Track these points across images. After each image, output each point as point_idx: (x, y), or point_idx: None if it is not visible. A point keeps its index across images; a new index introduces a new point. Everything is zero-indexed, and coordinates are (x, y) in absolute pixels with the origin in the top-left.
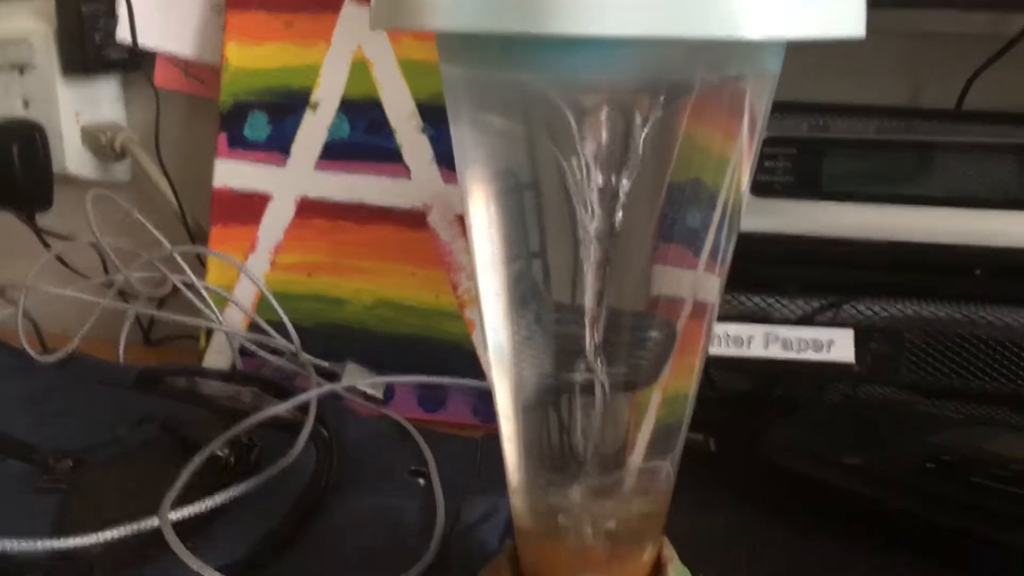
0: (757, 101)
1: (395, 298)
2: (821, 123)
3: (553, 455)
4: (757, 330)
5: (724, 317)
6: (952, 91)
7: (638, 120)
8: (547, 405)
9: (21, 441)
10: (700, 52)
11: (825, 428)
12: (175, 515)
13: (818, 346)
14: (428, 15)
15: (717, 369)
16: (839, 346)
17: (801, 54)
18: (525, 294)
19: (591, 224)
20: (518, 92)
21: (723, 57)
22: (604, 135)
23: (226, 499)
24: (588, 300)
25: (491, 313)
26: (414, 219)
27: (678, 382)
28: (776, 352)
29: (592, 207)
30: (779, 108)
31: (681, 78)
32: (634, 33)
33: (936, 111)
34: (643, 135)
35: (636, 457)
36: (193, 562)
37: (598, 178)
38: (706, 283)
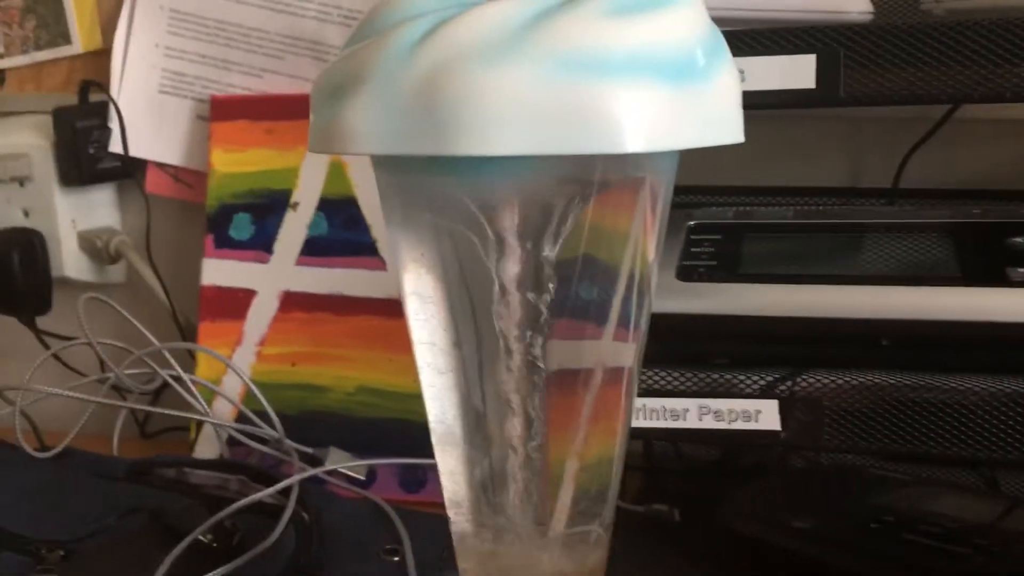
0: (658, 185)
1: (375, 384)
2: (746, 209)
3: (488, 526)
4: (692, 403)
5: (661, 392)
6: (890, 170)
7: (556, 210)
8: (479, 485)
9: (16, 533)
10: (596, 159)
11: (781, 494)
12: None
13: (747, 416)
14: (354, 142)
15: (657, 441)
16: (766, 415)
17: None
18: (459, 381)
19: (511, 310)
20: (439, 194)
21: (618, 162)
22: (516, 228)
23: None
24: (507, 386)
25: (431, 399)
26: (391, 308)
27: (600, 447)
28: (709, 423)
29: (508, 293)
30: (718, 192)
31: (581, 180)
32: (526, 151)
33: (870, 189)
34: (552, 225)
35: (558, 524)
36: None
37: (515, 266)
38: (620, 350)
